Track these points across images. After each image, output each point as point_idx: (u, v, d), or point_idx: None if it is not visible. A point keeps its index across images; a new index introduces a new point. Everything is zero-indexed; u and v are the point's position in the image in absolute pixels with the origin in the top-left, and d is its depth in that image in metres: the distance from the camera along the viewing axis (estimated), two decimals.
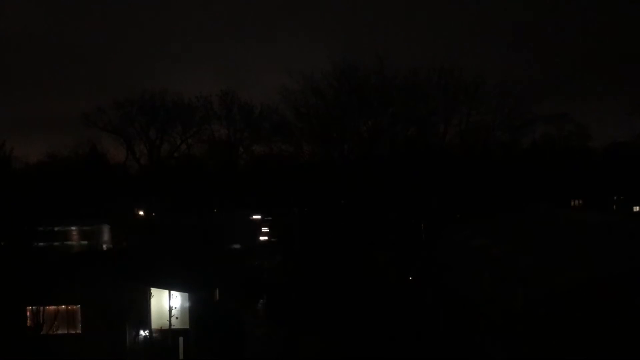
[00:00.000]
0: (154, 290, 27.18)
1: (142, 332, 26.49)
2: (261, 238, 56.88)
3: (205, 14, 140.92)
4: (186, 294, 27.62)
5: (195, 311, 27.41)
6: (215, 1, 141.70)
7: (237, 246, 50.28)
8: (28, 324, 24.13)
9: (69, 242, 52.00)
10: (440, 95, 51.46)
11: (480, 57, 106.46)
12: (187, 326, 27.19)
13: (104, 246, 54.67)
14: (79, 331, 25.14)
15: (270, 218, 59.34)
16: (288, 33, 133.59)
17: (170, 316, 26.72)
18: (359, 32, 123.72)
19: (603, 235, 23.58)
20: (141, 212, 63.45)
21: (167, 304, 27.19)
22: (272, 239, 55.46)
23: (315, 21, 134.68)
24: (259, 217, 57.01)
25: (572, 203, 63.52)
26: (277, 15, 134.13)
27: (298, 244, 48.02)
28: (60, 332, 24.66)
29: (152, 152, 60.97)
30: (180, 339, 25.50)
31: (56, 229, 48.06)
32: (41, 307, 24.24)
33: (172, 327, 26.66)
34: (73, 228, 52.68)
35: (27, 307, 24.37)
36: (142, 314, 26.52)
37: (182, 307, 27.47)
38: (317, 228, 50.42)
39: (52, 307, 24.71)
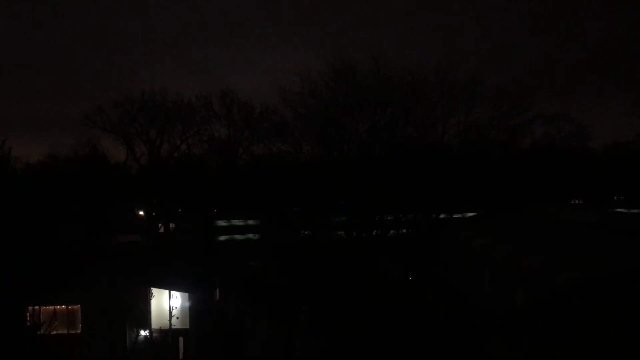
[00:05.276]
0: (154, 290, 27.19)
1: (142, 332, 26.50)
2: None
3: (205, 15, 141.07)
4: (186, 294, 27.62)
5: (195, 311, 27.41)
6: (213, 2, 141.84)
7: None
8: (28, 324, 24.12)
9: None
10: (438, 95, 51.42)
11: (479, 57, 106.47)
12: (187, 326, 27.19)
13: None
14: (79, 331, 25.17)
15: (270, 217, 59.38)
16: (286, 33, 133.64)
17: (170, 316, 26.72)
18: (356, 32, 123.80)
19: (603, 235, 23.58)
20: (141, 212, 63.42)
21: (167, 304, 27.18)
22: (272, 239, 55.44)
23: (313, 21, 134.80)
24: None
25: (572, 203, 63.56)
26: (275, 15, 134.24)
27: (298, 244, 47.98)
28: (60, 332, 24.67)
29: (152, 152, 60.79)
30: (181, 339, 25.53)
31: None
32: (41, 307, 24.23)
33: (173, 327, 26.65)
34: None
35: (27, 307, 24.36)
36: (142, 314, 26.52)
37: (182, 307, 27.46)
38: (317, 227, 50.39)
39: (52, 307, 24.71)
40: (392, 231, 49.26)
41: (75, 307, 25.33)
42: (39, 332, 23.47)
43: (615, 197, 69.13)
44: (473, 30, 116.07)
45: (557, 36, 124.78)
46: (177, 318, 26.92)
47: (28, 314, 24.27)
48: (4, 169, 29.98)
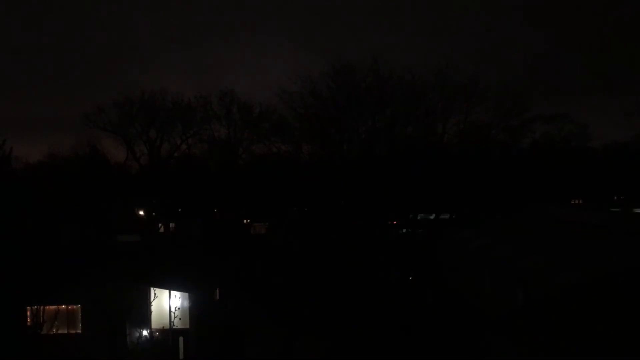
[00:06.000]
0: (154, 290, 27.16)
1: (142, 332, 26.48)
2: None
3: (205, 15, 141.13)
4: (186, 294, 27.60)
5: (195, 311, 27.39)
6: (213, 2, 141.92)
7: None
8: (28, 324, 24.12)
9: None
10: (438, 95, 51.36)
11: (479, 57, 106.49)
12: (187, 326, 27.17)
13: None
14: (79, 331, 25.16)
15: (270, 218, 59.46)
16: (286, 33, 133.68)
17: (172, 317, 26.69)
18: (356, 32, 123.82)
19: (603, 235, 23.60)
20: (141, 212, 63.45)
21: (167, 303, 27.17)
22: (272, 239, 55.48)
23: (313, 21, 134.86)
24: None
25: (572, 203, 63.55)
26: (275, 15, 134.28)
27: (297, 244, 48.02)
28: (60, 332, 24.66)
29: (152, 152, 60.77)
30: (181, 339, 25.50)
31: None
32: (41, 307, 24.22)
33: (173, 327, 26.63)
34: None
35: (27, 307, 24.35)
36: (143, 314, 26.49)
37: (182, 307, 27.44)
38: (317, 228, 50.43)
39: (53, 307, 24.70)
40: (392, 231, 49.33)
41: (75, 307, 25.31)
42: (40, 332, 23.50)
43: (615, 197, 69.12)
44: (473, 30, 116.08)
45: (557, 36, 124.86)
46: (180, 319, 26.89)
47: (29, 313, 24.27)
48: (4, 169, 30.03)
